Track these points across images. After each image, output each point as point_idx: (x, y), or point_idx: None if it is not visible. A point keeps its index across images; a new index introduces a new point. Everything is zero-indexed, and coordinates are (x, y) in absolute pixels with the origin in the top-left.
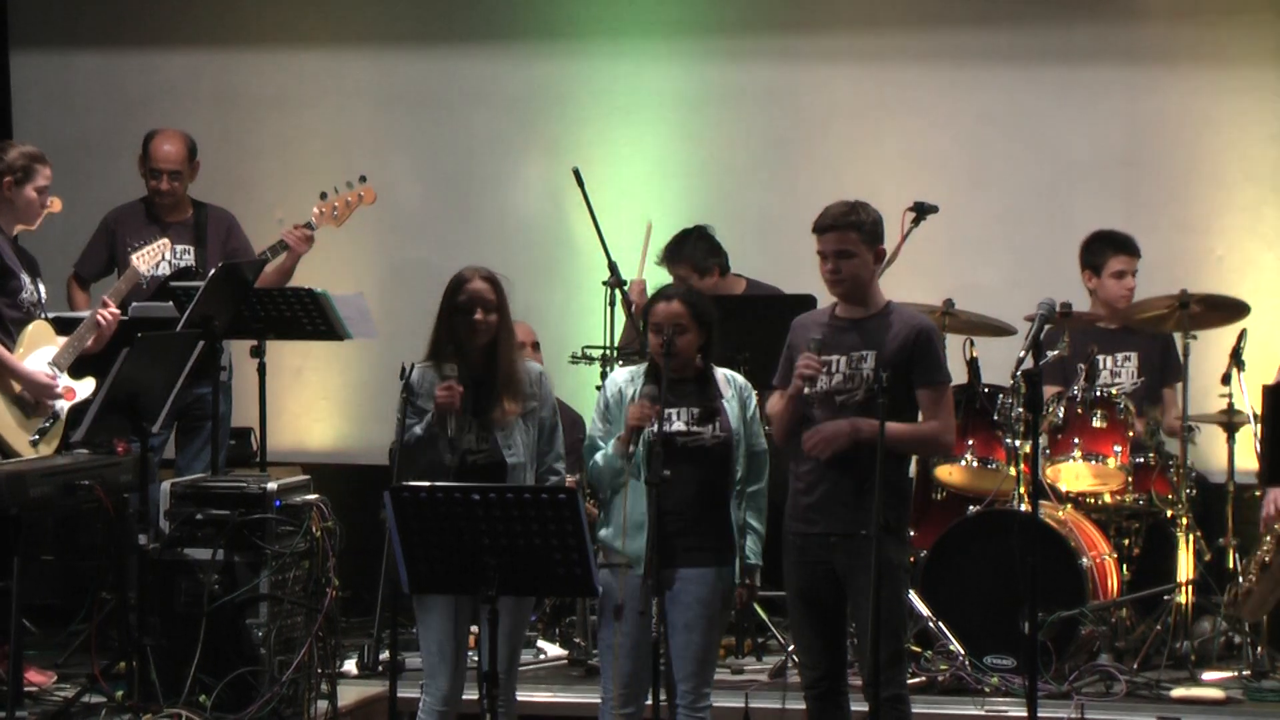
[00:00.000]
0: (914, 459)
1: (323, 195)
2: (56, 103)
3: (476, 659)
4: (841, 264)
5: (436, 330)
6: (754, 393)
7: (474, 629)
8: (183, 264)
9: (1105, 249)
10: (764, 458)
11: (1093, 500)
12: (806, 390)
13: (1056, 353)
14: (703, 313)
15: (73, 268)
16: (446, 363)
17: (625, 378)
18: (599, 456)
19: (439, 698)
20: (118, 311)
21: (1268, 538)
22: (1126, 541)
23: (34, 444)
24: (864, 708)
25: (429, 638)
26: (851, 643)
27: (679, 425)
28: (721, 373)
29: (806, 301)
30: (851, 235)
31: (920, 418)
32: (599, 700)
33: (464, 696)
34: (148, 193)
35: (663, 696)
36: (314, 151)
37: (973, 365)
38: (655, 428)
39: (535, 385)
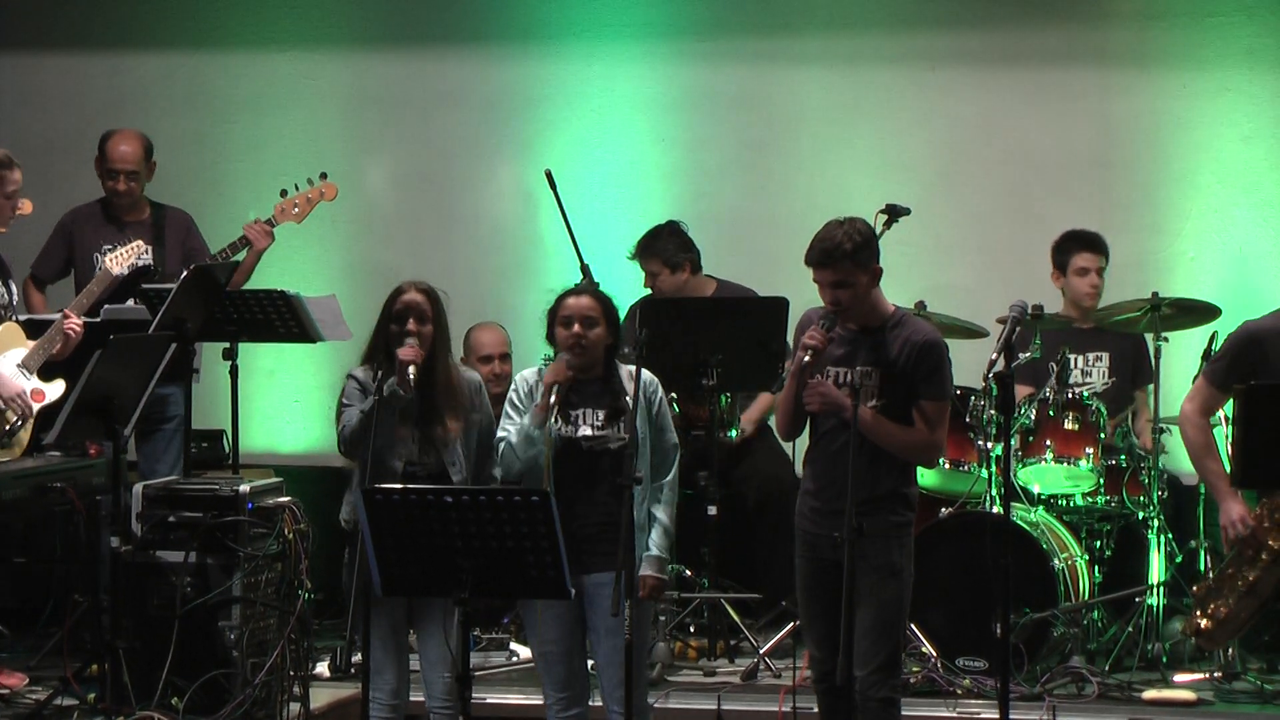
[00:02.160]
0: None
1: (283, 192)
2: (27, 104)
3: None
4: (840, 294)
5: (374, 336)
6: (659, 388)
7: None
8: (141, 264)
9: (1071, 246)
10: (673, 452)
11: (1064, 502)
12: (807, 359)
13: (1028, 355)
14: (610, 311)
15: (30, 269)
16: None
17: (534, 375)
18: (511, 432)
19: (388, 692)
20: (80, 323)
21: (1260, 557)
22: (1098, 543)
23: (2, 446)
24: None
25: (373, 635)
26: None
27: (585, 430)
28: (625, 370)
29: (779, 305)
30: (844, 265)
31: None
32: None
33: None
34: (105, 193)
35: (598, 701)
36: (287, 153)
37: None
38: (624, 434)
39: (475, 396)
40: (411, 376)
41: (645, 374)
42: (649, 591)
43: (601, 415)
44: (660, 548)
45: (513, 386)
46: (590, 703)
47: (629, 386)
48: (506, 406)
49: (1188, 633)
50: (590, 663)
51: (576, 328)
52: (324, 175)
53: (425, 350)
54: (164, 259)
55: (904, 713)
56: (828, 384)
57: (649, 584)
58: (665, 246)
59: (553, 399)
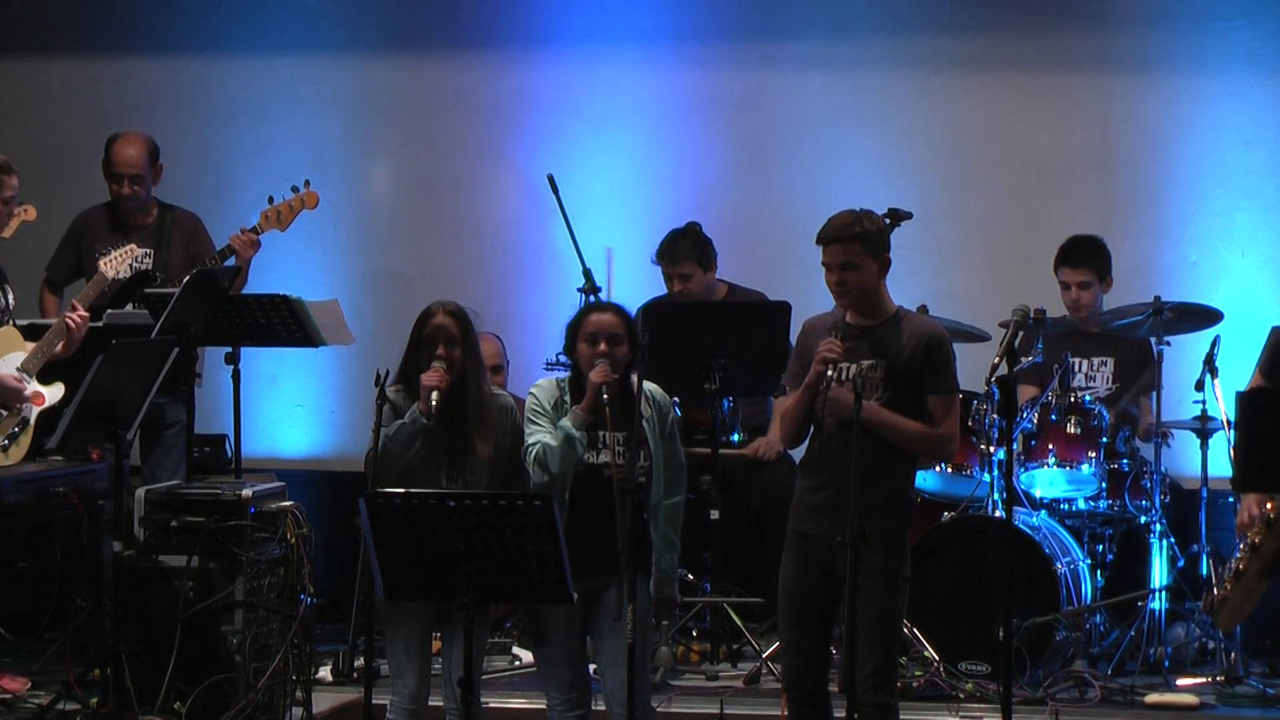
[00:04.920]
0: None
1: (270, 199)
2: (30, 110)
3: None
4: (847, 275)
5: (406, 358)
6: (672, 406)
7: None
8: (142, 267)
9: (1059, 259)
10: (684, 473)
11: (1067, 506)
12: (830, 373)
13: (1030, 359)
14: (632, 326)
15: (45, 271)
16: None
17: (551, 385)
18: (546, 436)
19: (407, 696)
20: (86, 314)
21: (1242, 545)
22: (1100, 548)
23: (2, 450)
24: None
25: (395, 638)
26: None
27: (607, 457)
28: (642, 388)
29: (782, 309)
30: (855, 246)
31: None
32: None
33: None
34: (111, 197)
35: (602, 705)
36: (289, 158)
37: None
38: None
39: (506, 419)
40: (434, 402)
41: (657, 390)
42: (667, 612)
43: (621, 440)
44: (670, 568)
45: (532, 398)
46: (594, 707)
47: (644, 407)
48: (529, 417)
49: (1204, 610)
50: (593, 667)
51: (603, 346)
52: (307, 182)
53: (455, 374)
54: (167, 262)
55: (907, 717)
56: (838, 391)
57: (668, 604)
58: (695, 246)
59: (604, 398)
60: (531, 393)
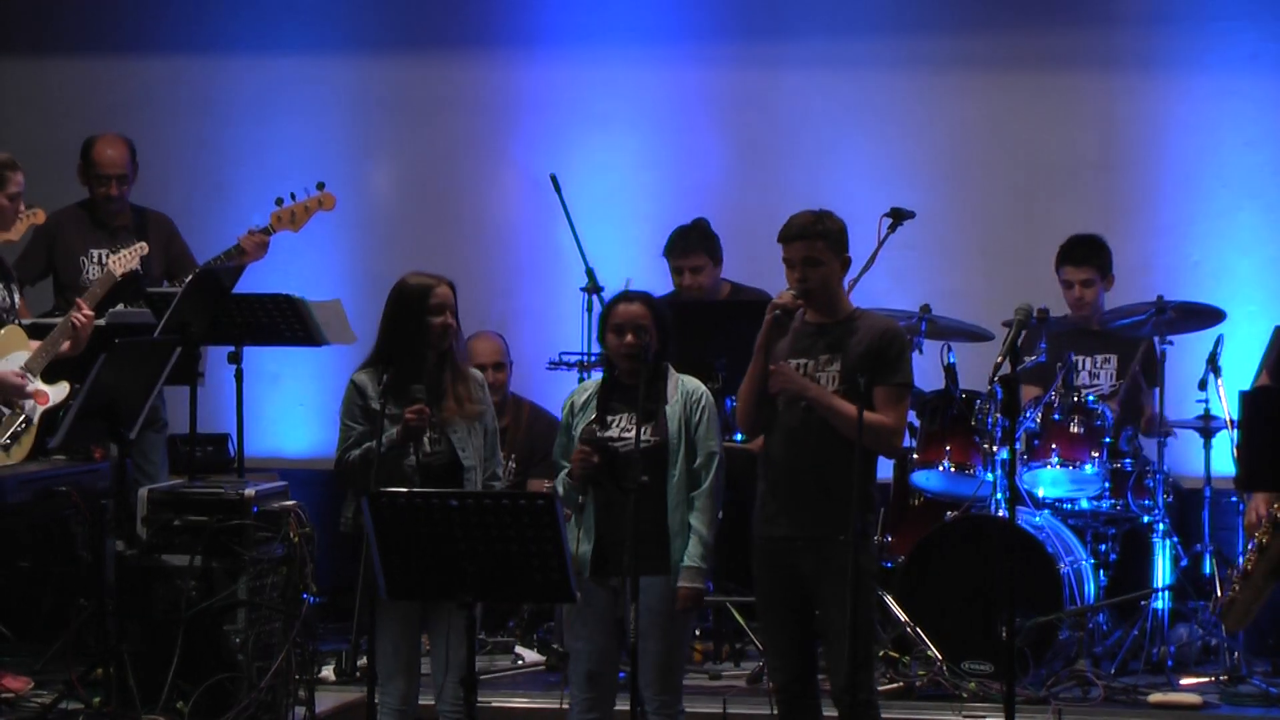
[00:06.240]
0: (892, 465)
1: (279, 201)
2: (32, 109)
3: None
4: (809, 272)
5: (388, 336)
6: (707, 398)
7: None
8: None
9: (1061, 258)
10: (713, 460)
11: (1070, 506)
12: (779, 315)
13: (1033, 357)
14: (661, 316)
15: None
16: (414, 384)
17: (580, 392)
18: (559, 484)
19: (398, 698)
20: (92, 313)
21: (1250, 546)
22: (1103, 547)
23: (5, 449)
24: (835, 712)
25: (385, 640)
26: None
27: (613, 431)
28: (676, 379)
29: None
30: (818, 244)
31: None
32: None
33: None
34: (93, 198)
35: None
36: (290, 158)
37: (950, 371)
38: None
39: (480, 390)
40: (427, 446)
41: (693, 382)
42: (684, 603)
43: (632, 417)
44: (696, 558)
45: (569, 401)
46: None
47: (671, 394)
48: (564, 417)
49: (1214, 612)
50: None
51: (629, 337)
52: (321, 185)
53: (445, 344)
54: (149, 263)
55: (910, 716)
56: (790, 367)
57: (684, 595)
58: (705, 239)
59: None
60: (571, 397)
